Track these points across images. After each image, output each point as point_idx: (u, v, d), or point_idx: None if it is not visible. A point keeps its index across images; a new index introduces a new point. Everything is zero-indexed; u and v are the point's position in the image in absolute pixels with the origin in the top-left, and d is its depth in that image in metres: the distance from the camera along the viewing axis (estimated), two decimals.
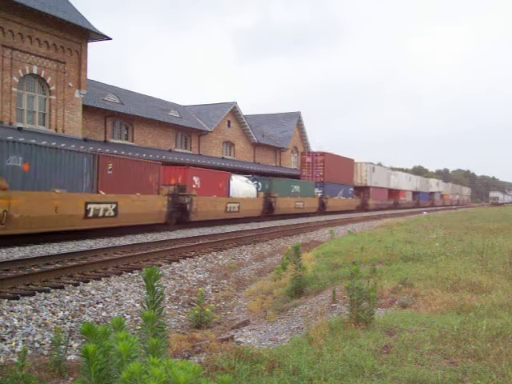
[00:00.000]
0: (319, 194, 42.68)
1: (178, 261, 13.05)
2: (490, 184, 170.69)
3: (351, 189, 50.09)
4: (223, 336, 6.99)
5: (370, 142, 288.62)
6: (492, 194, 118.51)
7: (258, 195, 32.34)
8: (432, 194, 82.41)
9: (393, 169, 69.34)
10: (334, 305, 7.23)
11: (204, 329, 7.67)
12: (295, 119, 62.00)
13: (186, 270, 12.08)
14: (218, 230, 23.73)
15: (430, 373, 4.02)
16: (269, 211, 33.33)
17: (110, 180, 19.25)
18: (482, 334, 4.89)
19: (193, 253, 14.62)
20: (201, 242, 17.26)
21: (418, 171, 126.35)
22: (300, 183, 39.89)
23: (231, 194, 28.79)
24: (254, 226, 27.20)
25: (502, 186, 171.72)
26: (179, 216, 23.74)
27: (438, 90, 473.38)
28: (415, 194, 73.86)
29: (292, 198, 36.59)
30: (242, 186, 30.35)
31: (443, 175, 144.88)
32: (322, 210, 42.06)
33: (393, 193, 63.01)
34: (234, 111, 50.32)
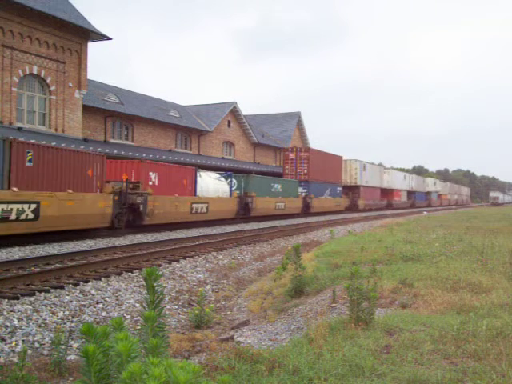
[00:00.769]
0: (303, 194, 38.90)
1: (177, 261, 13.05)
2: (490, 184, 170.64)
3: (339, 188, 46.69)
4: (223, 336, 6.98)
5: (370, 142, 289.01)
6: (492, 194, 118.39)
7: (231, 194, 28.70)
8: (429, 193, 79.78)
9: (385, 168, 65.44)
10: (333, 305, 7.23)
11: (204, 329, 7.67)
12: (295, 119, 61.99)
13: (185, 270, 12.08)
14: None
15: (430, 373, 4.01)
16: (245, 212, 29.88)
17: (29, 173, 15.43)
18: (481, 334, 4.89)
19: (193, 253, 14.61)
20: (201, 242, 17.26)
21: (418, 171, 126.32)
22: (282, 181, 36.19)
23: (198, 193, 25.26)
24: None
25: (502, 186, 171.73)
26: (131, 218, 20.25)
27: (438, 90, 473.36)
28: (411, 193, 70.84)
29: (272, 197, 33.11)
30: (212, 184, 26.95)
31: (443, 175, 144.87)
32: (306, 210, 38.54)
33: (386, 192, 59.91)
34: (234, 111, 50.32)
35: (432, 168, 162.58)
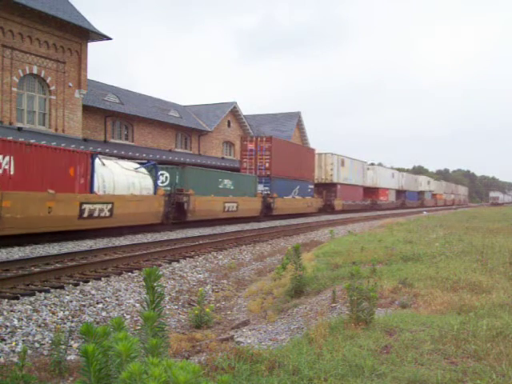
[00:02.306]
0: (264, 193, 32.42)
1: (177, 261, 13.05)
2: (490, 184, 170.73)
3: (311, 186, 40.10)
4: (223, 336, 6.98)
5: (370, 142, 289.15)
6: (492, 194, 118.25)
7: (155, 192, 21.74)
8: (422, 193, 74.76)
9: (370, 164, 58.19)
10: (333, 305, 7.23)
11: (204, 329, 7.67)
12: (295, 119, 61.98)
13: (185, 270, 12.08)
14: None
15: (430, 373, 4.01)
16: (179, 215, 23.27)
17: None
18: (481, 334, 4.89)
19: (193, 253, 14.61)
20: (201, 242, 17.26)
21: (418, 171, 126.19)
22: (234, 177, 29.31)
23: (97, 189, 18.15)
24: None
25: (502, 186, 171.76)
26: None
27: (438, 90, 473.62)
28: (400, 192, 65.06)
29: (220, 196, 26.51)
30: (123, 177, 19.81)
31: (443, 175, 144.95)
32: (267, 213, 32.07)
33: (370, 191, 53.81)
34: (234, 111, 50.34)
35: (432, 168, 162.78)
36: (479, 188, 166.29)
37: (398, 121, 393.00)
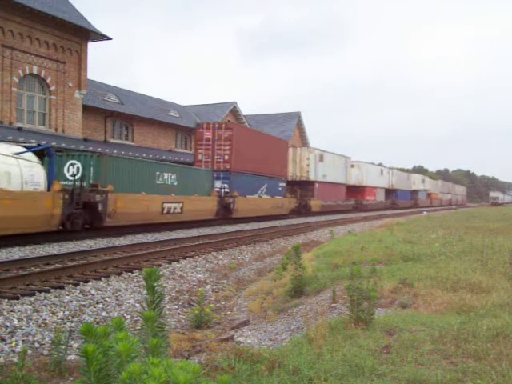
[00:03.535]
0: (223, 190, 27.00)
1: (177, 261, 13.05)
2: (490, 184, 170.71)
3: (282, 184, 34.82)
4: (223, 336, 6.98)
5: (370, 142, 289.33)
6: (492, 194, 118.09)
7: (49, 187, 15.72)
8: (415, 192, 69.86)
9: (354, 161, 51.06)
10: (333, 305, 7.23)
11: (204, 329, 7.67)
12: (295, 119, 61.96)
13: (186, 270, 12.08)
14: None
15: (430, 373, 4.01)
16: (93, 220, 17.77)
17: None
18: (482, 334, 4.89)
19: (193, 253, 14.61)
20: (201, 242, 17.25)
21: (418, 171, 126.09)
22: (179, 170, 23.68)
23: None
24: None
25: (502, 186, 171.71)
26: None
27: (438, 90, 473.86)
28: (390, 192, 59.63)
29: (157, 195, 21.21)
30: None
31: (443, 175, 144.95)
32: (226, 214, 26.76)
33: (354, 190, 48.89)
34: (234, 111, 50.34)
35: (432, 168, 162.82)
36: (479, 188, 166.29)
37: (398, 121, 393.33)
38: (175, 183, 22.97)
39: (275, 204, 32.95)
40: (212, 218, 25.77)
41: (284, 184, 35.40)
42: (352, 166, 49.01)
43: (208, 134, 28.22)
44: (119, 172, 19.21)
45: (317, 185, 39.63)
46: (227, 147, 27.89)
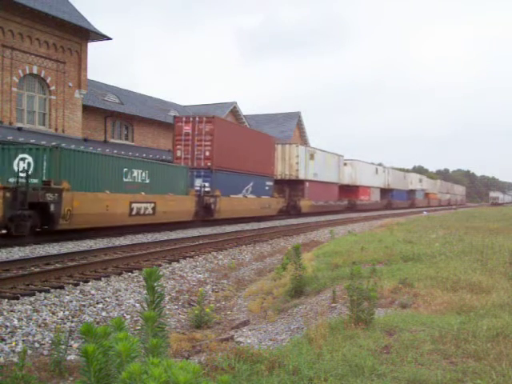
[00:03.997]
0: (203, 189, 24.66)
1: (177, 261, 13.05)
2: (490, 184, 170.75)
3: (269, 183, 32.62)
4: (223, 336, 6.98)
5: (370, 142, 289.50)
6: (492, 194, 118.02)
7: None
8: (412, 192, 67.98)
9: (347, 159, 48.57)
10: (333, 305, 7.24)
11: (204, 329, 7.67)
12: (295, 119, 61.98)
13: (186, 270, 12.08)
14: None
15: (430, 373, 4.02)
16: (45, 221, 15.76)
17: None
18: (482, 334, 4.89)
19: (193, 253, 14.61)
20: (201, 241, 17.25)
21: (418, 171, 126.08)
22: (151, 166, 21.46)
23: None
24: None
25: (502, 186, 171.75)
26: None
27: (439, 90, 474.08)
28: (386, 191, 57.59)
29: (124, 194, 19.09)
30: None
31: (443, 175, 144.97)
32: (207, 215, 24.64)
33: (348, 190, 46.96)
34: (234, 111, 50.35)
35: (432, 168, 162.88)
36: (479, 188, 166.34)
37: (398, 121, 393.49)
38: (146, 181, 20.68)
39: (262, 204, 30.69)
40: (190, 219, 23.45)
41: (271, 183, 33.19)
42: (345, 164, 46.92)
43: (187, 129, 25.80)
44: (77, 168, 16.90)
45: (307, 184, 37.48)
46: (208, 142, 25.58)
